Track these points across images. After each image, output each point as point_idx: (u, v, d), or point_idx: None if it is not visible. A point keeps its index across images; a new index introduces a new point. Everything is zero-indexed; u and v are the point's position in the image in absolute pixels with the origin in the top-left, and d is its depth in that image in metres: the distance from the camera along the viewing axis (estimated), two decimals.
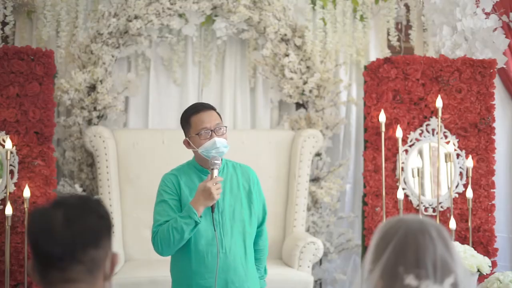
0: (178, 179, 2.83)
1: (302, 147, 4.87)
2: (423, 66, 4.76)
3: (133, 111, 5.19)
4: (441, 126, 4.72)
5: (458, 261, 1.59)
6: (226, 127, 2.83)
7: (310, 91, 5.06)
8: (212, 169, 2.73)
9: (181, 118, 2.89)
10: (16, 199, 4.39)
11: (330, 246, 5.07)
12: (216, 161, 2.73)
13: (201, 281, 2.77)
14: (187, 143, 2.85)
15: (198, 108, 2.84)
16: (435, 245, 1.56)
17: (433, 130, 4.76)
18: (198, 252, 2.77)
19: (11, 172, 4.42)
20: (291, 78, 5.04)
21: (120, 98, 5.04)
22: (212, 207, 2.73)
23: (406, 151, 4.76)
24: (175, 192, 2.81)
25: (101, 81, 4.90)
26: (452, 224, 4.39)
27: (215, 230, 2.74)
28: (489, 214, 4.70)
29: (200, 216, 2.69)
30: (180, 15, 5.06)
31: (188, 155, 4.78)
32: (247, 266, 2.84)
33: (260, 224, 2.98)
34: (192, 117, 2.81)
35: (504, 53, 4.89)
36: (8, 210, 4.21)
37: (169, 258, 4.62)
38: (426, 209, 4.74)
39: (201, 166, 2.86)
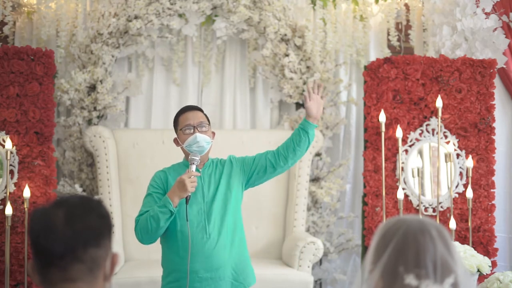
0: (166, 175, 3.04)
1: None
2: (423, 66, 4.76)
3: (133, 111, 5.20)
4: (441, 126, 4.72)
5: (458, 261, 1.59)
6: (209, 124, 3.05)
7: None
8: (191, 164, 2.93)
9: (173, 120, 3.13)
10: (16, 199, 4.39)
11: (330, 246, 5.07)
12: (194, 157, 2.94)
13: (187, 265, 2.95)
14: (176, 141, 3.07)
15: (185, 109, 3.10)
16: (435, 245, 1.57)
17: (433, 130, 4.76)
18: (184, 238, 2.94)
19: (11, 172, 4.42)
20: (291, 78, 5.03)
21: (120, 98, 5.04)
22: (187, 199, 2.90)
23: (406, 151, 4.76)
24: (161, 187, 3.02)
25: (101, 81, 4.90)
26: (452, 224, 4.39)
27: (187, 220, 2.90)
28: (489, 214, 4.70)
29: (176, 206, 2.87)
30: (180, 15, 5.05)
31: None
32: (231, 253, 3.00)
33: (261, 158, 3.07)
34: (179, 116, 3.06)
35: (504, 53, 4.90)
36: (8, 210, 4.22)
37: None
38: (426, 209, 4.74)
39: (189, 163, 3.03)
